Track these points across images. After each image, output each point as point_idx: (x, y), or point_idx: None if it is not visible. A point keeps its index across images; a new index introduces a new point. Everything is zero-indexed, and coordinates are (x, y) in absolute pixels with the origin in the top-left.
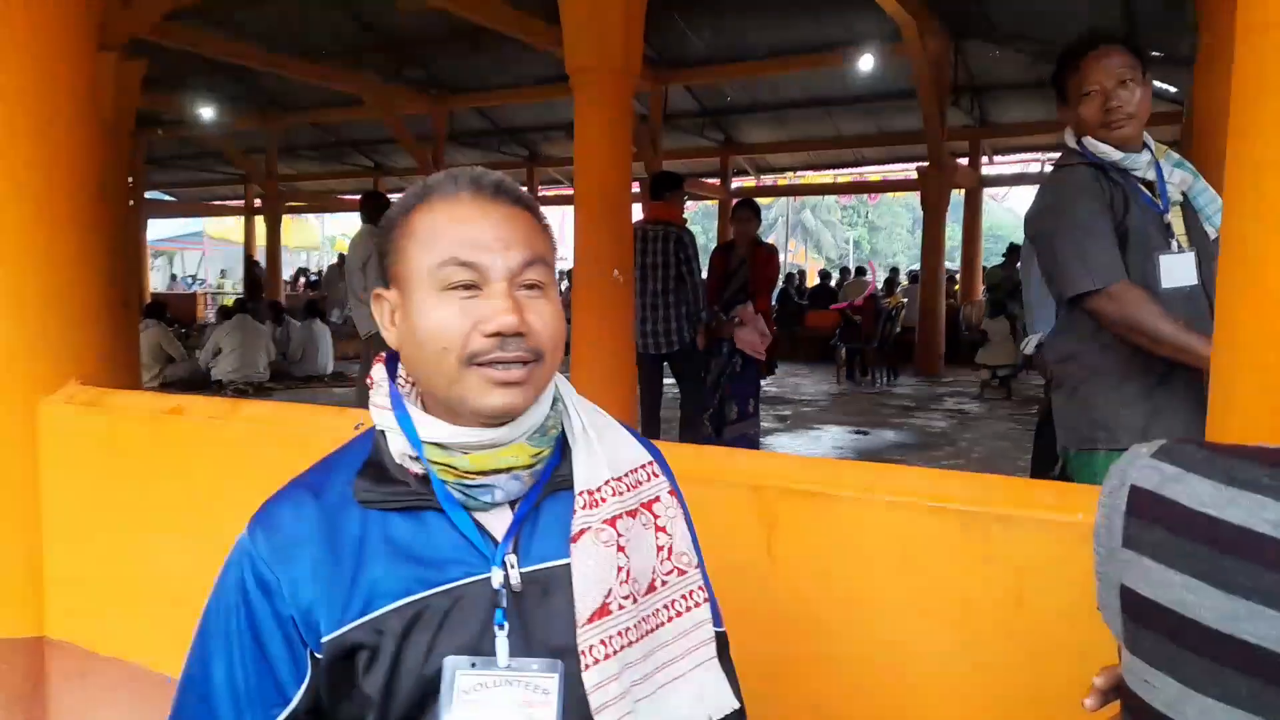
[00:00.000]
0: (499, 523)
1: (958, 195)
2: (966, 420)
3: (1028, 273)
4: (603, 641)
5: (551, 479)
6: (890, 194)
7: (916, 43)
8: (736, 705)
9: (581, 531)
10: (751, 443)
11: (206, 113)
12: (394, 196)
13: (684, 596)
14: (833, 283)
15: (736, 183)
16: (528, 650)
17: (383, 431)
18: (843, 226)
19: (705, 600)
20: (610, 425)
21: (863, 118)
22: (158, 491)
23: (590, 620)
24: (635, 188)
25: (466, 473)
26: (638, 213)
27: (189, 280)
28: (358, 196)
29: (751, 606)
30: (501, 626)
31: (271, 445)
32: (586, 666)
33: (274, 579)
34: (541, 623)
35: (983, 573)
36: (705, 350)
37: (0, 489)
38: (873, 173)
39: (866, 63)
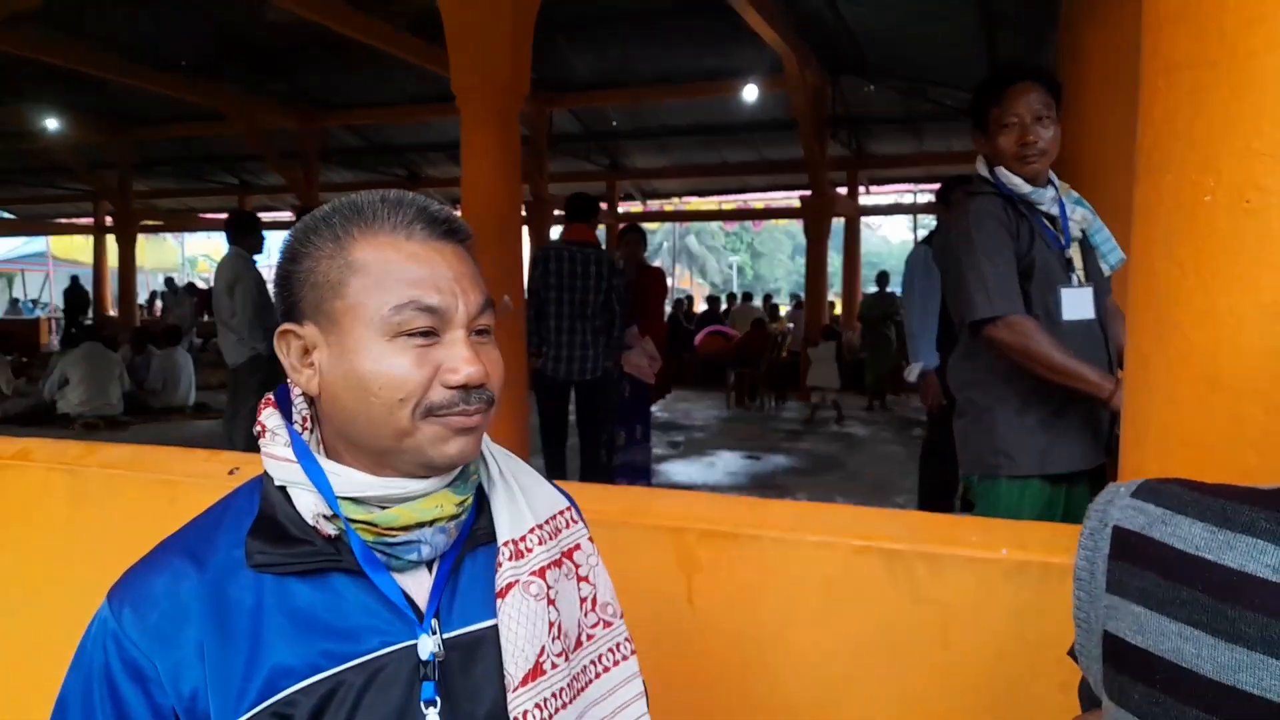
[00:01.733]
0: (417, 585)
1: (838, 223)
2: (853, 443)
3: (909, 300)
4: (538, 706)
5: (471, 533)
6: (773, 220)
7: (797, 76)
8: None
9: (510, 585)
10: (641, 470)
11: (51, 124)
12: (265, 216)
13: (611, 650)
14: (721, 309)
15: (623, 207)
16: None
17: (280, 486)
18: (726, 252)
19: (633, 653)
20: (524, 470)
21: (747, 146)
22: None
23: (523, 683)
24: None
25: (388, 529)
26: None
27: (29, 305)
28: (223, 215)
29: (674, 654)
30: (433, 702)
31: (133, 495)
32: None
33: (148, 664)
34: (467, 694)
35: (910, 612)
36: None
37: None
38: (757, 200)
39: (750, 93)
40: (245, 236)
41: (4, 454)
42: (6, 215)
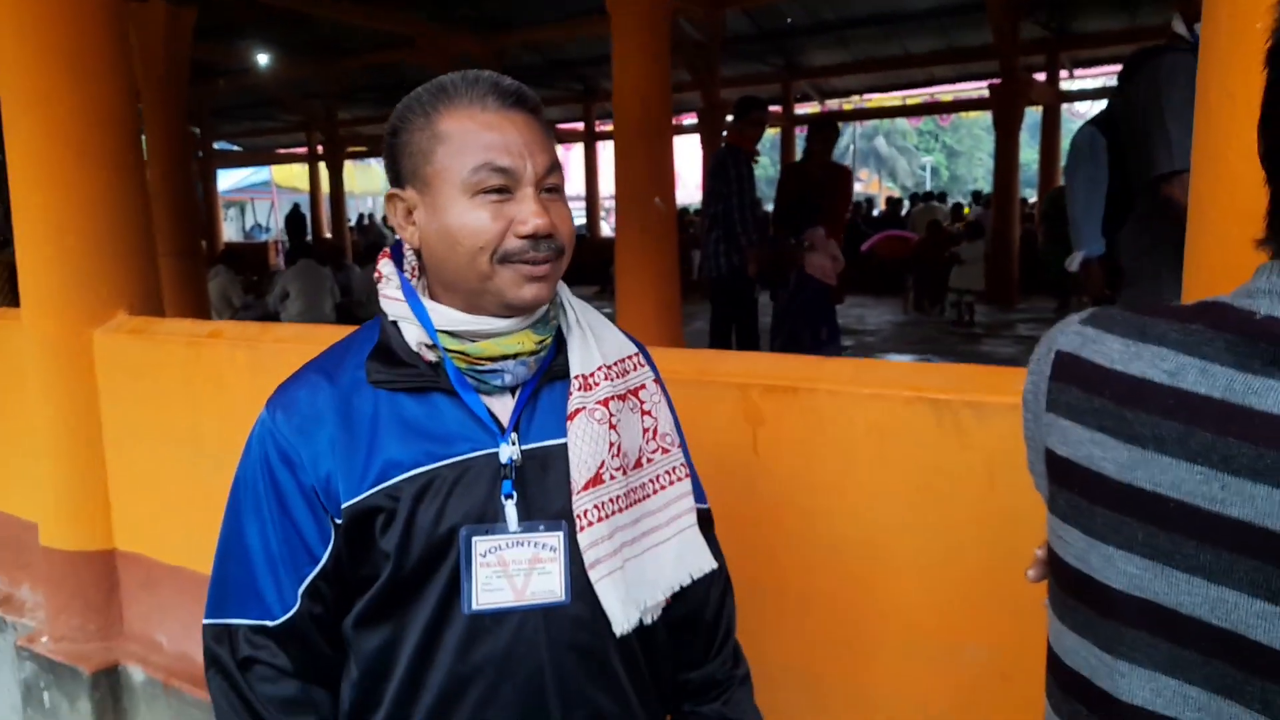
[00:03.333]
0: (502, 406)
1: (1035, 113)
2: (1034, 346)
3: (1073, 184)
4: (596, 506)
5: (549, 369)
6: (969, 116)
7: None
8: (714, 566)
9: (577, 410)
10: None
11: (262, 60)
12: None
13: (668, 472)
14: (903, 212)
15: (800, 109)
16: (530, 516)
17: (393, 321)
18: (919, 153)
19: (687, 476)
20: (600, 319)
21: (932, 34)
22: (200, 409)
23: (585, 488)
24: (694, 117)
25: (479, 358)
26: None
27: (258, 229)
28: None
29: (740, 497)
30: (510, 496)
31: (298, 363)
32: (581, 528)
33: (295, 453)
34: (540, 493)
35: (958, 458)
36: (760, 278)
37: (66, 413)
38: (944, 93)
39: None
40: None
41: (200, 333)
42: (234, 148)
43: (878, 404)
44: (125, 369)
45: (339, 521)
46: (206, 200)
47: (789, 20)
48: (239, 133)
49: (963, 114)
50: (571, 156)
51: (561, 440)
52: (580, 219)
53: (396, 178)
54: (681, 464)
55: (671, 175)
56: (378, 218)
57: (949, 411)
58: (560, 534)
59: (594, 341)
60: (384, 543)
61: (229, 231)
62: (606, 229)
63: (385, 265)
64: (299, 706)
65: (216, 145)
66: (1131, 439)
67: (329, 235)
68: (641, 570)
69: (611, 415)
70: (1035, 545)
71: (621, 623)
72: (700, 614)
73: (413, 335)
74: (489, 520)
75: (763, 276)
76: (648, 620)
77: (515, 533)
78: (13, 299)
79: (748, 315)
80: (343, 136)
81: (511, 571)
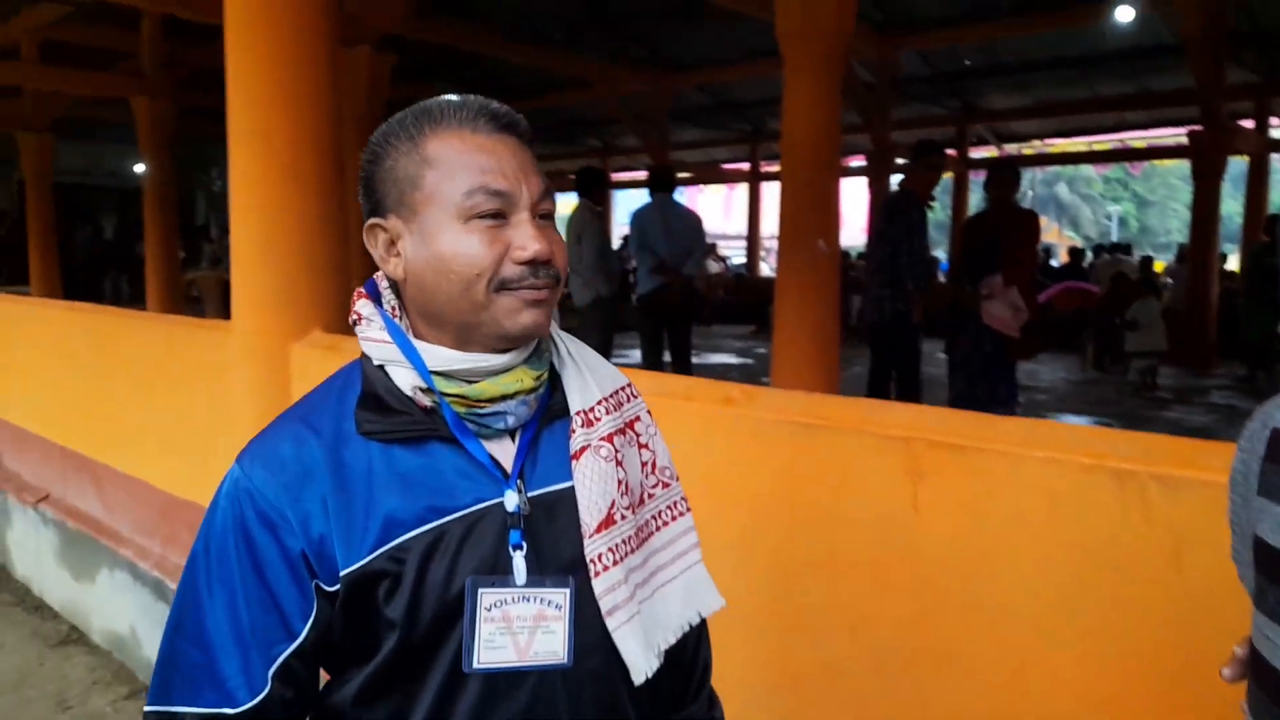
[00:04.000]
0: (503, 451)
1: (1240, 163)
2: (1234, 417)
3: None
4: (610, 550)
5: (548, 408)
6: (1164, 164)
7: None
8: (723, 603)
9: (583, 449)
10: None
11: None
12: (623, 175)
13: (669, 508)
14: (1085, 263)
15: (976, 153)
16: (540, 568)
17: (379, 365)
18: (1104, 201)
19: (688, 510)
20: (589, 352)
21: (1123, 77)
22: None
23: (598, 531)
24: (862, 159)
25: (478, 400)
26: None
27: None
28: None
29: (897, 556)
30: (519, 547)
31: None
32: (596, 574)
33: (279, 515)
34: (549, 542)
35: (1139, 533)
36: (927, 324)
37: (262, 416)
38: (1135, 138)
39: (1126, 15)
40: (591, 190)
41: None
42: None
43: (1052, 469)
44: (315, 381)
45: (331, 590)
46: None
47: (966, 62)
48: None
49: (1156, 161)
50: (735, 196)
51: (568, 484)
52: (740, 258)
53: (377, 207)
54: (682, 498)
55: (837, 218)
56: None
57: (1133, 483)
58: (567, 591)
59: (589, 375)
60: (389, 610)
61: None
62: (766, 269)
63: (364, 305)
64: None
65: None
66: None
67: None
68: (654, 613)
69: (616, 451)
70: (1228, 639)
71: (642, 669)
72: (682, 656)
73: (404, 379)
74: (498, 573)
75: (930, 322)
76: (659, 665)
77: (521, 587)
78: (224, 311)
79: (910, 363)
80: None
81: (516, 629)
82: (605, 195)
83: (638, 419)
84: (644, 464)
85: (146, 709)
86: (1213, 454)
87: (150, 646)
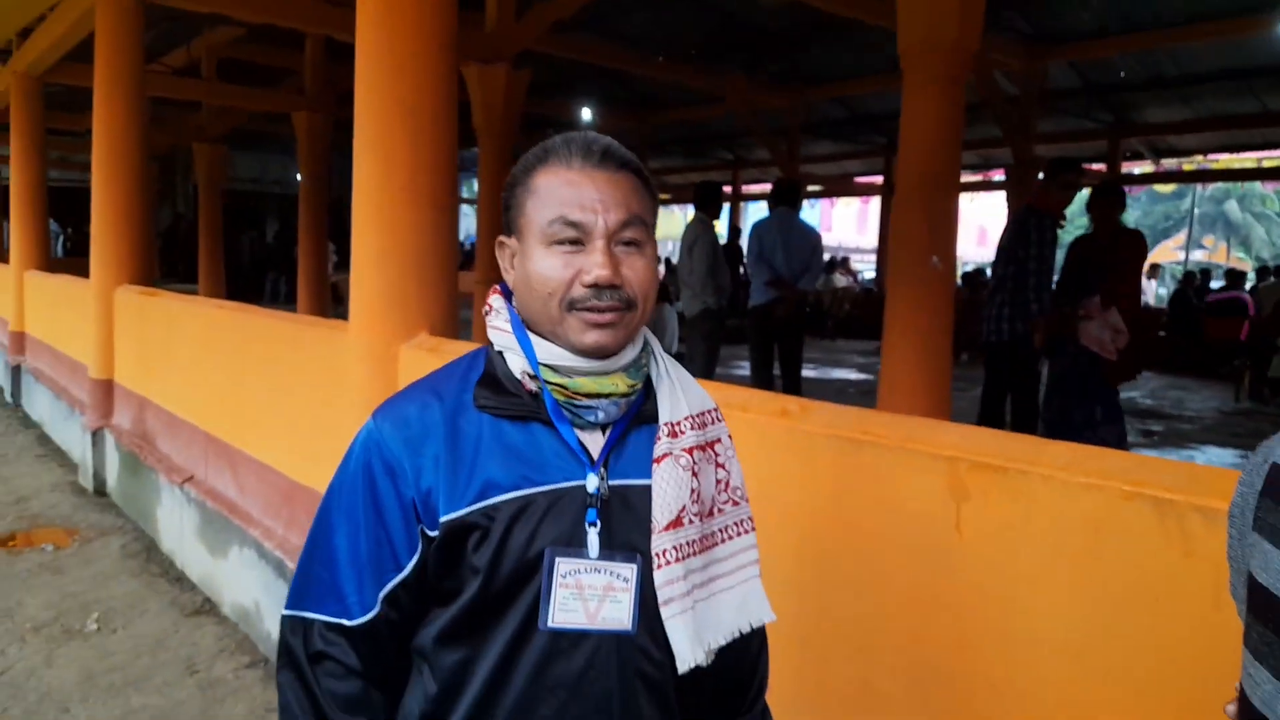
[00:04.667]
0: (593, 442)
1: None
2: None
3: None
4: (674, 547)
5: (639, 412)
6: None
7: None
8: (773, 618)
9: (665, 455)
10: None
11: (586, 114)
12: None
13: (736, 524)
14: (1246, 285)
15: (1130, 167)
16: (610, 547)
17: (499, 351)
18: (1279, 220)
19: (753, 529)
20: (685, 374)
21: None
22: None
23: (667, 529)
24: (1001, 173)
25: (576, 394)
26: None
27: None
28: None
29: (937, 575)
30: (594, 524)
31: None
32: (659, 566)
33: (400, 465)
34: (621, 527)
35: (1179, 565)
36: (1043, 350)
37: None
38: None
39: None
40: (707, 204)
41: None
42: None
43: (1093, 495)
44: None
45: (432, 534)
46: None
47: (1121, 73)
48: None
49: None
50: (869, 210)
51: (645, 481)
52: (871, 272)
53: (507, 226)
54: (749, 517)
55: (953, 235)
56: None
57: (1174, 513)
58: (635, 566)
59: (681, 393)
60: (475, 559)
61: None
62: None
63: (496, 300)
64: (359, 706)
65: None
66: None
67: None
68: (707, 613)
69: (695, 464)
70: None
71: (688, 659)
72: (740, 667)
73: (516, 365)
74: (574, 545)
75: (1048, 348)
76: (705, 663)
77: (594, 559)
78: (340, 312)
79: (1027, 387)
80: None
81: (586, 595)
82: (718, 209)
83: (719, 440)
84: (718, 481)
85: (284, 612)
86: None
87: (271, 621)
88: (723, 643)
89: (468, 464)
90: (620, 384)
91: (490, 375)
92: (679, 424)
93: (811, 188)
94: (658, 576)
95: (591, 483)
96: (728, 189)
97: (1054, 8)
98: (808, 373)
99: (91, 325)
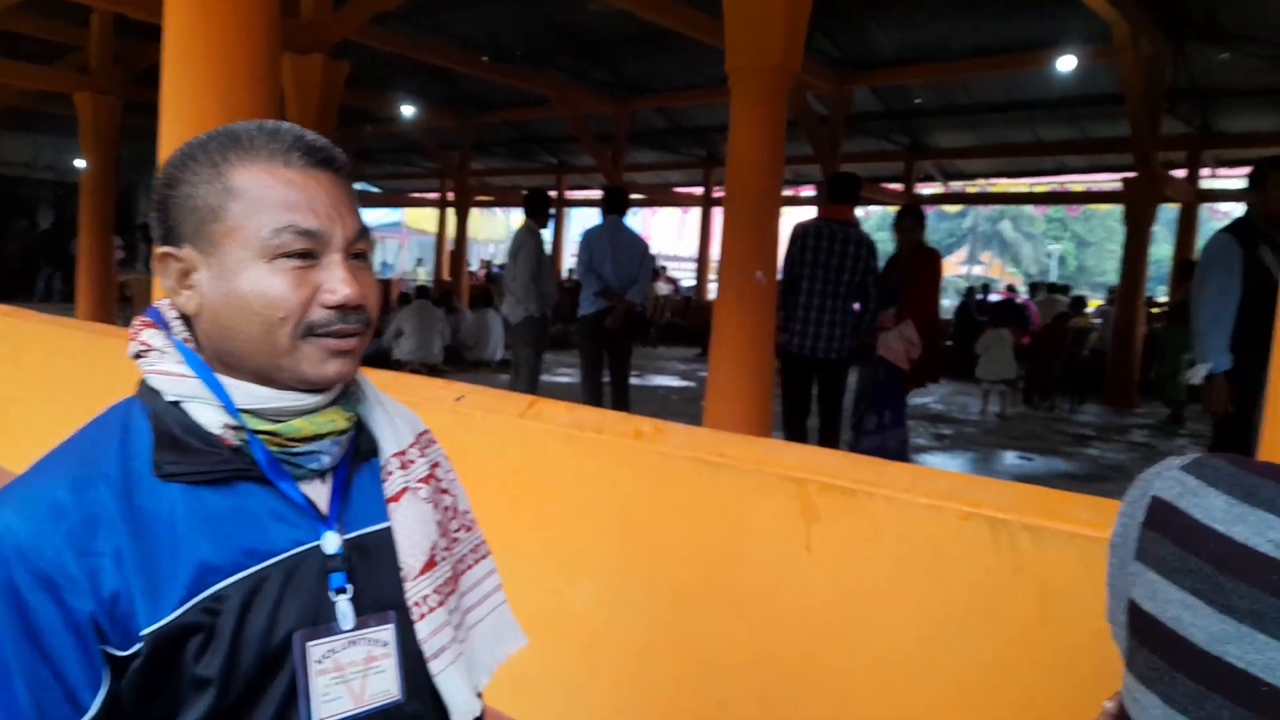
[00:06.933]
0: (315, 493)
1: (1172, 210)
2: (1151, 455)
3: (1201, 294)
4: (435, 591)
5: (356, 449)
6: (1102, 207)
7: (1127, 44)
8: (525, 642)
9: (402, 491)
10: (893, 457)
11: (408, 111)
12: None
13: (473, 551)
14: (1020, 299)
15: (922, 189)
16: (362, 611)
17: (173, 402)
18: (1045, 240)
19: (489, 553)
20: (388, 397)
21: (1066, 123)
22: None
23: (422, 573)
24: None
25: (291, 439)
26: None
27: (386, 267)
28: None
29: (790, 593)
30: (343, 590)
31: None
32: (421, 616)
33: (61, 571)
34: (369, 585)
35: (1010, 581)
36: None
37: None
38: (1075, 182)
39: (1069, 64)
40: (536, 211)
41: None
42: (373, 189)
43: (933, 516)
44: None
45: (127, 654)
46: None
47: (917, 100)
48: (379, 175)
49: (1094, 205)
50: (688, 219)
51: (382, 525)
52: (690, 280)
53: (169, 234)
54: (483, 541)
55: (775, 249)
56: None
57: (1005, 532)
58: (391, 626)
59: (397, 418)
60: (201, 668)
61: None
62: (714, 293)
63: (152, 336)
64: None
65: (357, 186)
66: (1226, 609)
67: (448, 278)
68: (471, 655)
69: (431, 494)
70: (1088, 692)
71: (465, 713)
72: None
73: (207, 417)
74: (321, 621)
75: (858, 357)
76: (479, 711)
77: (349, 632)
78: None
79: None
80: (472, 185)
81: (349, 676)
82: (546, 217)
83: (438, 464)
84: (446, 508)
85: None
86: (1079, 506)
87: None
88: (487, 682)
89: (167, 551)
90: (339, 419)
91: (166, 434)
92: (406, 452)
93: (635, 196)
94: (421, 629)
95: (330, 542)
96: (553, 194)
97: (860, 36)
98: (631, 380)
99: None
